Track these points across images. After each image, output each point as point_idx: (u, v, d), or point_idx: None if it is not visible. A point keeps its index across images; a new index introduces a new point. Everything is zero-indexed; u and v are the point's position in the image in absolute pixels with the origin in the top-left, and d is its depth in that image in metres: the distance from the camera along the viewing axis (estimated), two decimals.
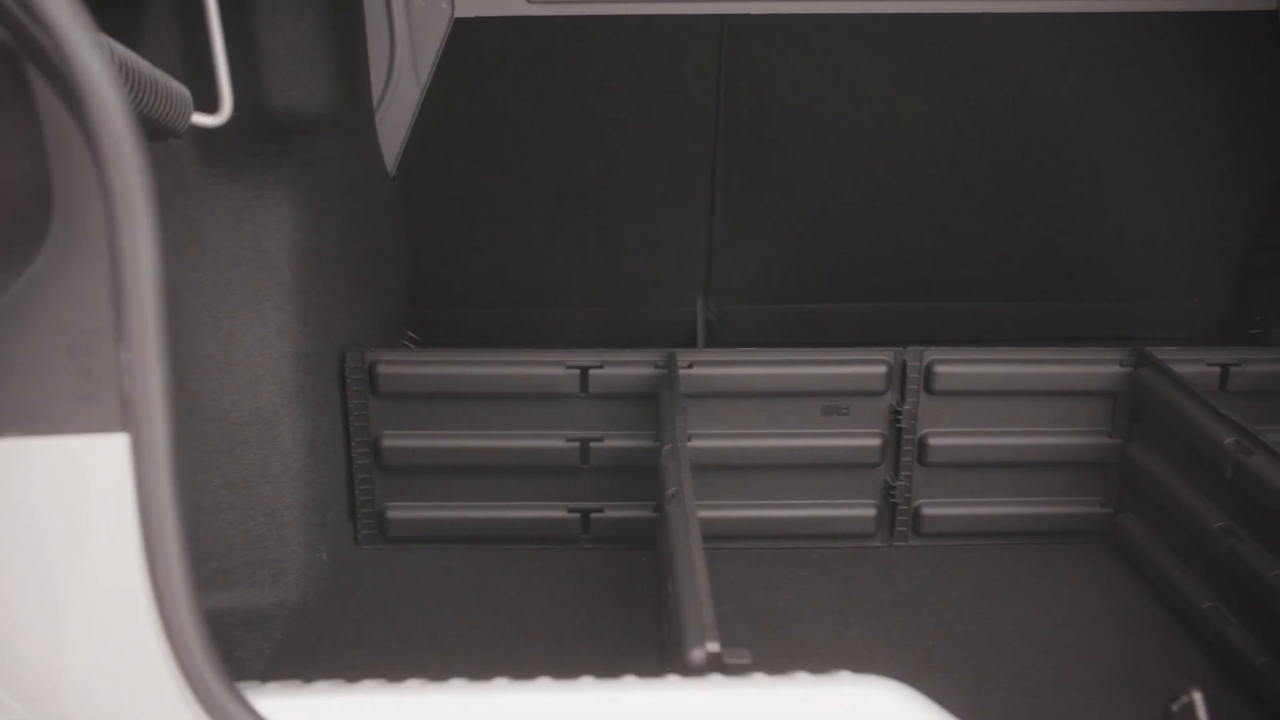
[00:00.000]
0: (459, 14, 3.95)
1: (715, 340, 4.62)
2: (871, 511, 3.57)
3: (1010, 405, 3.52)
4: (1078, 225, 4.45)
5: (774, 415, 3.48)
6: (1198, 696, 1.72)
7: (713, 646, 1.93)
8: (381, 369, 3.39)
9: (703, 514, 3.50)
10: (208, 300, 3.05)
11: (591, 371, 3.42)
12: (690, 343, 4.52)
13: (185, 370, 3.03)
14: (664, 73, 4.14)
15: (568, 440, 3.47)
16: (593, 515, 3.53)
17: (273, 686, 1.68)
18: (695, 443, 3.49)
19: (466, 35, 4.02)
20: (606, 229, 4.42)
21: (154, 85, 1.99)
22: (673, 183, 4.33)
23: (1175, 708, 1.73)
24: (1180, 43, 4.13)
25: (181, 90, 2.20)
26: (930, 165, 4.34)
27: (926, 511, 3.58)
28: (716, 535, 3.56)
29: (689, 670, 1.95)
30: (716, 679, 1.81)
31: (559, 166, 4.30)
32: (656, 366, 3.40)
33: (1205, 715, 1.70)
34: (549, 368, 3.42)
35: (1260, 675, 2.75)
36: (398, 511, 3.53)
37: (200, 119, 2.35)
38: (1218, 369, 3.46)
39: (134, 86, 1.83)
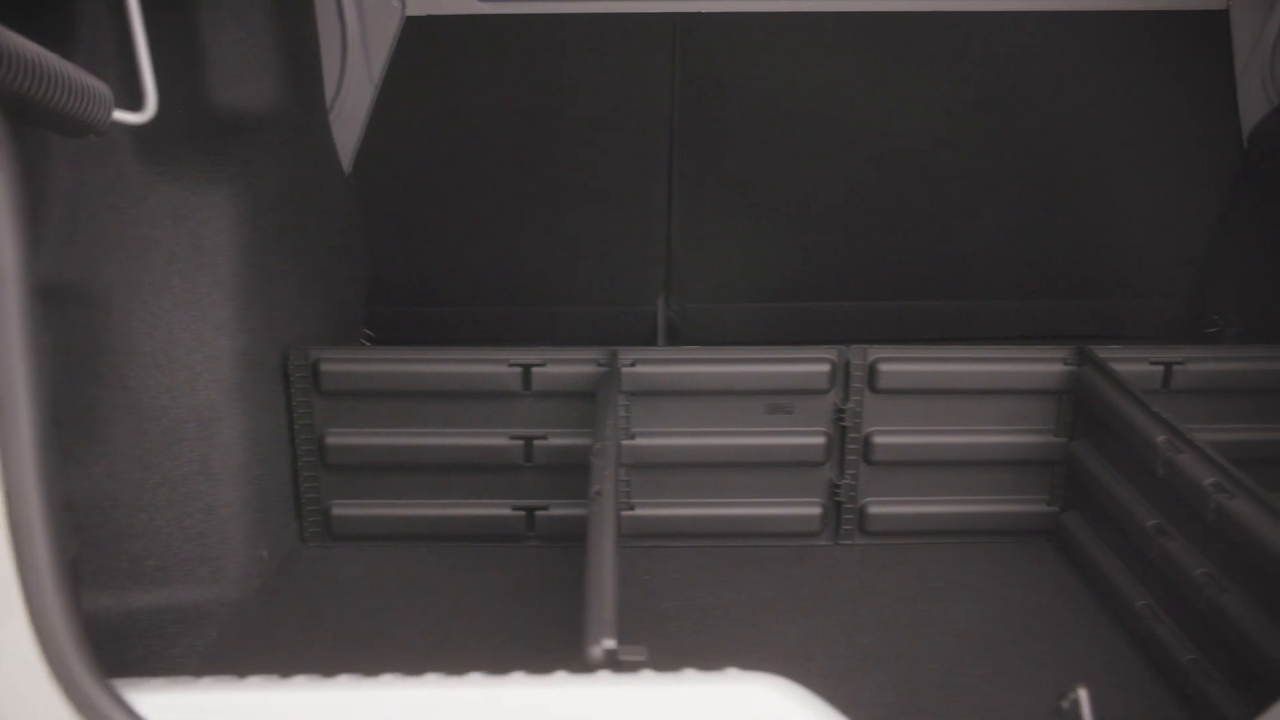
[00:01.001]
0: (410, 12, 3.96)
1: (677, 339, 4.62)
2: (817, 510, 3.57)
3: (956, 404, 3.52)
4: (1041, 223, 4.46)
5: (718, 414, 3.49)
6: (1082, 694, 1.73)
7: (608, 643, 1.94)
8: (325, 367, 3.40)
9: (649, 512, 3.55)
10: (145, 298, 3.06)
11: (534, 369, 3.42)
12: (652, 342, 4.53)
13: (122, 368, 3.04)
14: (618, 71, 4.15)
15: (512, 438, 3.47)
16: (537, 513, 3.53)
17: (156, 682, 1.69)
18: (640, 441, 3.50)
19: (420, 34, 4.04)
20: (565, 228, 4.43)
21: (58, 79, 1.99)
22: (630, 181, 4.34)
23: (1064, 704, 1.74)
24: (1136, 42, 4.14)
25: (99, 86, 2.20)
26: (891, 163, 4.35)
27: (872, 510, 3.58)
28: (663, 534, 3.58)
29: (584, 667, 1.95)
30: (604, 676, 1.81)
31: (516, 166, 4.31)
32: (599, 364, 3.40)
33: (1089, 713, 1.71)
34: (492, 365, 3.42)
35: (1185, 673, 2.76)
36: (343, 509, 3.53)
37: (123, 116, 2.36)
38: (1161, 368, 3.46)
39: (25, 79, 1.83)
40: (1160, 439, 2.92)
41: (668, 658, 2.97)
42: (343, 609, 3.26)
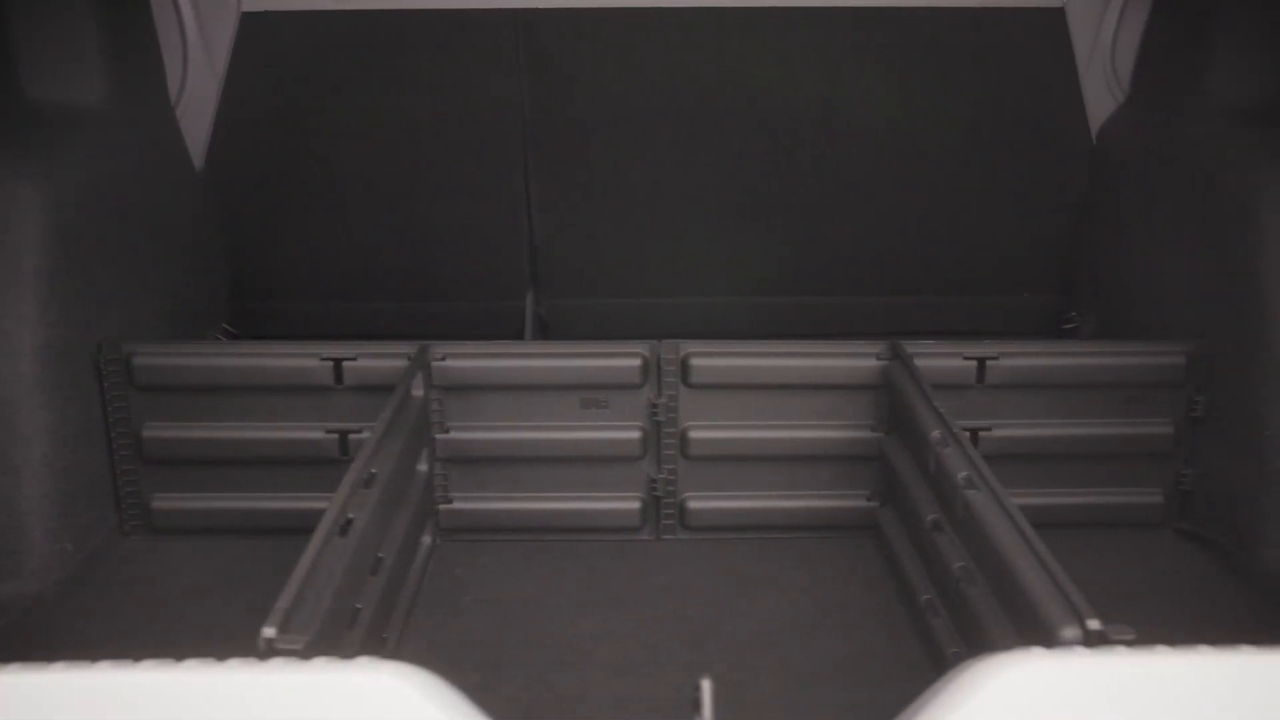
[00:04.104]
0: (246, 8, 3.97)
1: (547, 334, 4.64)
2: (636, 505, 3.58)
3: (774, 399, 3.53)
4: (913, 220, 4.47)
5: (532, 408, 3.50)
6: (705, 684, 1.74)
7: (269, 632, 1.96)
8: (137, 361, 3.41)
9: (468, 506, 3.56)
10: None
11: (345, 363, 3.43)
12: (521, 337, 4.54)
13: None
14: (464, 68, 4.16)
15: (327, 432, 3.48)
16: None
17: None
18: (454, 435, 3.51)
19: (264, 29, 4.04)
20: (425, 224, 4.44)
21: None
22: (486, 177, 4.35)
23: (696, 696, 1.75)
24: (985, 39, 4.14)
25: None
26: (754, 158, 4.35)
27: (692, 505, 3.58)
28: (482, 528, 3.59)
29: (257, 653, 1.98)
30: (249, 663, 1.83)
31: (373, 162, 4.33)
32: (408, 359, 3.41)
33: (709, 704, 1.72)
34: (303, 359, 3.44)
35: (949, 667, 2.75)
36: (163, 502, 3.55)
37: None
38: (974, 363, 3.47)
39: None
40: (934, 434, 2.92)
41: (434, 650, 3.01)
42: (148, 601, 3.27)
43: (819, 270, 4.50)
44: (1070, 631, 2.01)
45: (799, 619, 3.21)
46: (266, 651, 1.96)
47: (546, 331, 4.64)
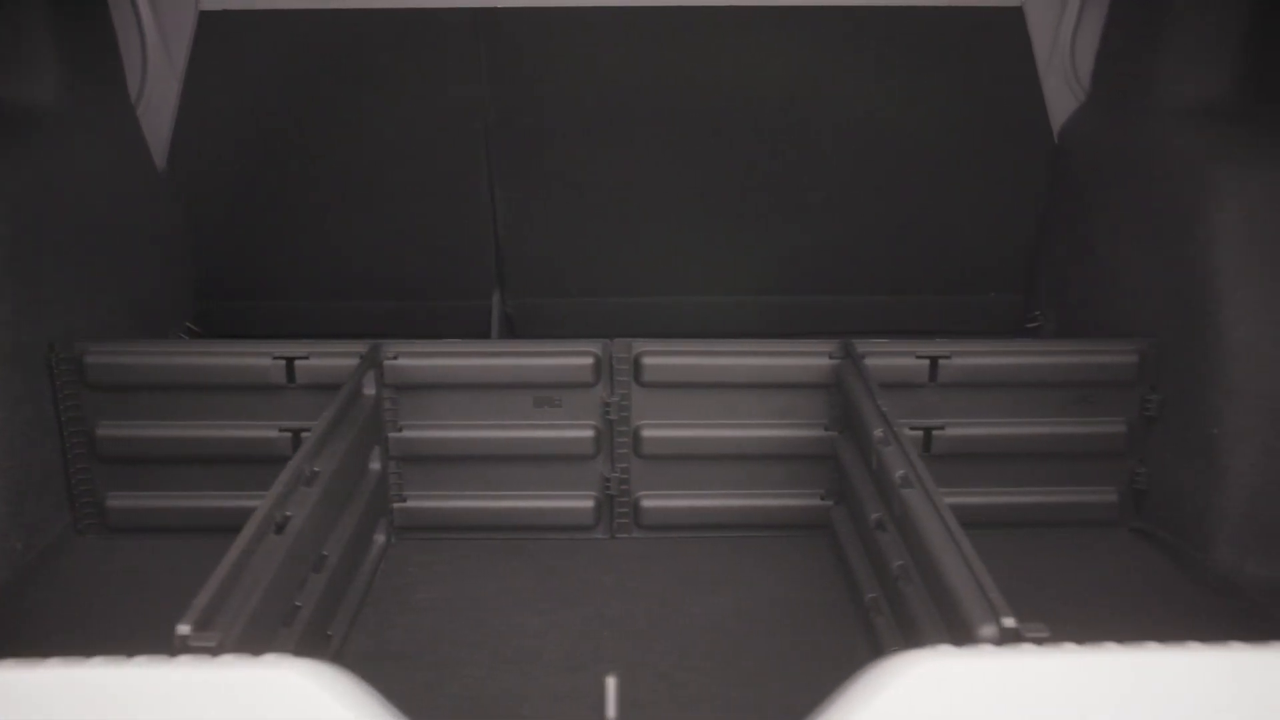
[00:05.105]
0: (205, 6, 3.97)
1: (514, 333, 4.64)
2: (590, 503, 3.58)
3: (727, 398, 3.53)
4: (880, 220, 4.47)
5: (485, 407, 3.50)
6: (610, 681, 1.74)
7: (183, 629, 1.97)
8: (89, 359, 3.41)
9: (422, 505, 3.57)
10: None
11: (298, 362, 3.43)
12: (487, 336, 4.54)
13: None
14: (426, 67, 4.16)
15: (280, 430, 3.48)
16: None
17: None
18: (408, 433, 3.52)
19: (223, 28, 4.04)
20: (390, 223, 4.44)
21: None
22: (450, 177, 4.35)
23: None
24: (946, 39, 4.14)
25: None
26: (716, 160, 4.35)
27: (646, 504, 3.59)
28: (437, 526, 3.60)
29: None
30: (158, 659, 1.83)
31: (335, 161, 4.32)
32: (361, 358, 3.42)
33: (614, 700, 1.72)
34: (255, 358, 3.44)
35: None
36: (118, 501, 3.55)
37: None
38: (927, 362, 3.47)
39: None
40: (877, 432, 2.93)
41: (381, 648, 3.01)
42: (95, 600, 3.27)
43: (782, 269, 4.50)
44: (987, 629, 2.01)
45: (747, 617, 3.22)
46: (178, 649, 1.96)
47: (514, 330, 4.64)
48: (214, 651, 1.94)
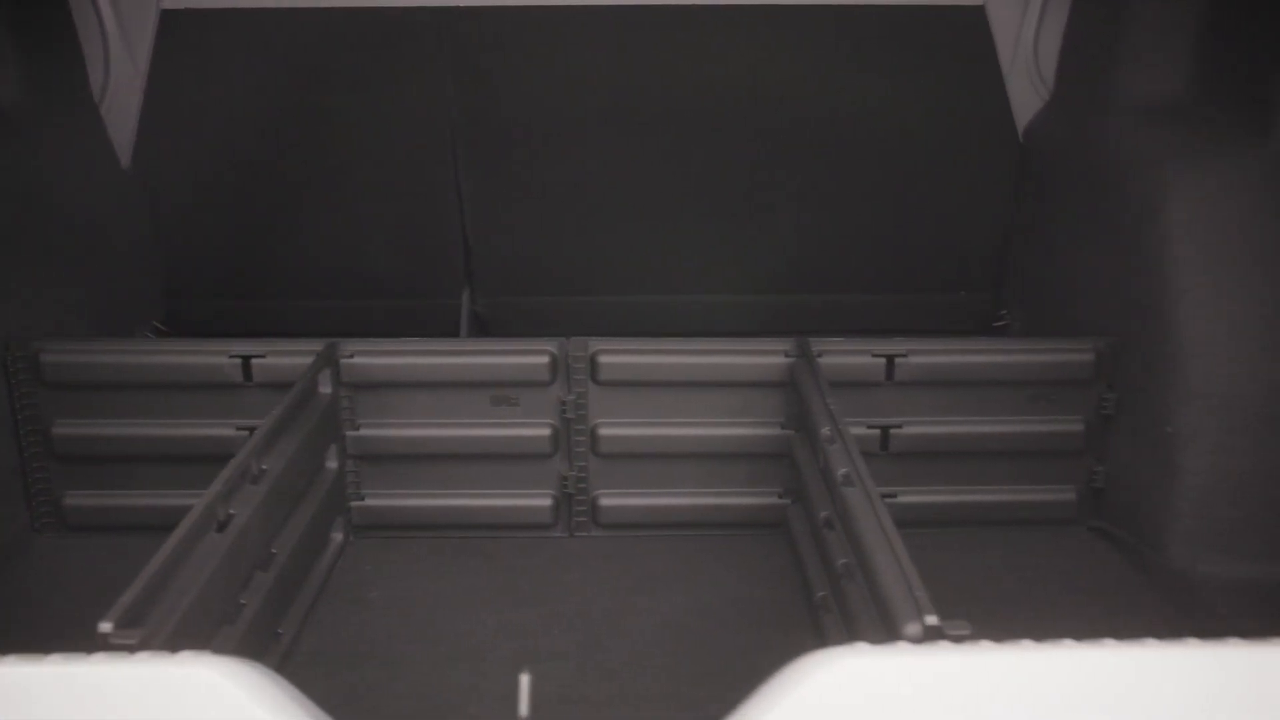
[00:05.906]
0: (166, 5, 3.97)
1: (484, 332, 4.64)
2: (548, 502, 3.58)
3: (684, 396, 3.53)
4: (849, 219, 4.47)
5: (443, 405, 3.50)
6: (523, 679, 1.74)
7: (105, 626, 1.97)
8: (45, 358, 3.41)
9: (380, 503, 3.57)
10: None
11: (254, 360, 3.43)
12: (456, 334, 4.54)
13: None
14: (391, 66, 4.16)
15: (238, 429, 3.48)
16: None
17: None
18: (365, 432, 3.52)
19: (186, 27, 4.04)
20: (357, 222, 4.44)
21: None
22: (416, 174, 4.35)
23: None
24: (911, 38, 4.14)
25: None
26: (683, 158, 4.35)
27: (604, 502, 3.59)
28: (397, 525, 3.60)
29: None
30: (72, 657, 1.83)
31: (303, 160, 4.32)
32: (316, 355, 3.41)
33: (526, 697, 1.72)
34: (212, 357, 3.44)
35: None
36: (75, 499, 3.55)
37: None
38: (883, 360, 3.47)
39: None
40: (825, 430, 2.93)
41: (333, 645, 3.01)
42: (49, 599, 3.27)
43: (750, 268, 4.50)
44: (912, 627, 2.01)
45: (701, 616, 3.22)
46: (98, 646, 1.96)
47: (484, 329, 4.64)
48: (134, 649, 1.94)
